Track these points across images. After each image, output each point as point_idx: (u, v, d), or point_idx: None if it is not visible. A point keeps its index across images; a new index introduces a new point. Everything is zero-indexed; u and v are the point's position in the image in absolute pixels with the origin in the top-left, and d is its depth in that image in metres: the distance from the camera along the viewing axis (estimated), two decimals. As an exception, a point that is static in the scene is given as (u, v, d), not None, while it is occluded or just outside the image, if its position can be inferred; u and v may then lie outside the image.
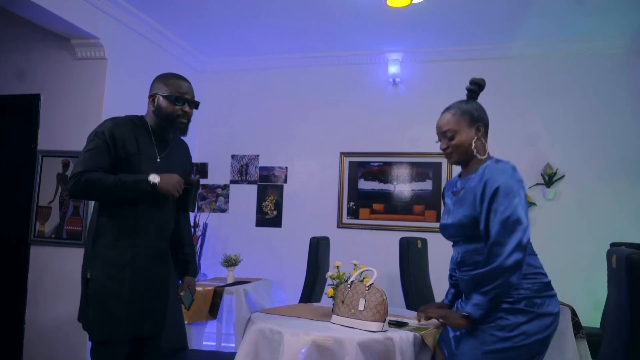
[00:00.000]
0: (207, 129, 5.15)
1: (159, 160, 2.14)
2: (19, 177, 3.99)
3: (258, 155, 5.04)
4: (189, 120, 2.18)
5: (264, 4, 3.89)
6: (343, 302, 2.27)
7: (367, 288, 2.21)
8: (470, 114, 1.97)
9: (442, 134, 2.01)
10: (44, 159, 3.89)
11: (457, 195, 1.99)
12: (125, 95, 3.94)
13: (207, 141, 5.15)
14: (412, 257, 3.61)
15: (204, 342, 4.14)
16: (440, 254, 4.13)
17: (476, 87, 2.05)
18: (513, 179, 1.81)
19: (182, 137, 2.33)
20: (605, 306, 3.73)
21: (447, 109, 2.02)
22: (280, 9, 3.98)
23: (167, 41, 4.57)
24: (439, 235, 5.03)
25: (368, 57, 4.79)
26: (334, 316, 2.31)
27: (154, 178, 1.96)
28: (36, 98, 3.93)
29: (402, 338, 2.08)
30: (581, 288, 3.91)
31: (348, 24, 4.19)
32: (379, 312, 2.14)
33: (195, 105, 2.19)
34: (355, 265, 2.49)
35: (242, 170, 5.04)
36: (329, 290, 2.48)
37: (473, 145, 1.94)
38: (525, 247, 1.75)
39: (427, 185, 4.58)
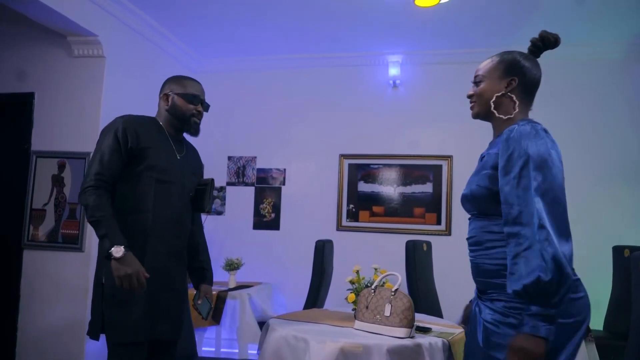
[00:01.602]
0: (203, 129, 4.97)
1: (178, 157, 2.13)
2: (12, 178, 3.83)
3: (255, 157, 4.96)
4: (200, 121, 2.20)
5: (263, 4, 3.83)
6: (367, 307, 2.23)
7: (392, 293, 2.18)
8: (508, 63, 1.64)
9: (473, 78, 1.74)
10: (38, 160, 3.75)
11: (482, 161, 1.66)
12: (123, 95, 3.84)
13: (203, 142, 4.94)
14: (418, 260, 3.59)
15: (203, 348, 4.05)
16: (443, 258, 4.16)
17: (540, 43, 1.70)
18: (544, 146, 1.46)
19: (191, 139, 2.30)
20: (609, 307, 3.78)
21: (494, 55, 1.73)
22: (279, 10, 3.92)
23: (164, 40, 4.47)
24: (441, 238, 5.01)
25: (368, 58, 4.76)
26: (357, 322, 2.27)
27: (117, 252, 1.81)
28: (30, 97, 3.78)
29: (432, 344, 2.05)
30: (588, 291, 3.94)
31: (348, 25, 4.16)
32: (406, 318, 2.11)
33: (207, 107, 2.22)
34: (375, 269, 2.45)
35: (239, 172, 4.95)
36: (349, 295, 2.44)
37: (494, 98, 1.63)
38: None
39: (428, 187, 4.57)
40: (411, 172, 4.62)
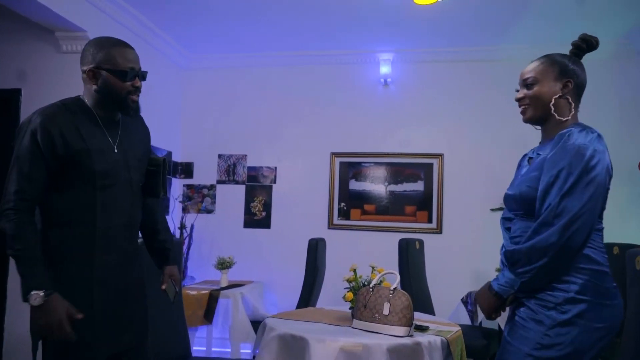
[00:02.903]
0: (193, 127, 5.01)
1: (116, 151, 1.74)
2: (-2, 176, 3.75)
3: (246, 155, 4.92)
4: (138, 97, 1.79)
5: (253, 2, 3.80)
6: (365, 306, 2.22)
7: (391, 292, 2.17)
8: (562, 65, 1.66)
9: (522, 81, 1.71)
10: (25, 158, 3.67)
11: (531, 163, 1.71)
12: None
13: (192, 140, 5.00)
14: (411, 259, 3.60)
15: (193, 348, 4.01)
16: (434, 256, 4.18)
17: (584, 45, 1.72)
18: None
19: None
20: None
21: (538, 58, 1.73)
22: (270, 7, 3.89)
23: (153, 36, 4.40)
24: (432, 236, 5.05)
25: (359, 56, 4.75)
26: (355, 320, 2.26)
27: (35, 299, 1.51)
28: (17, 93, 3.70)
29: (431, 342, 2.05)
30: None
31: (339, 23, 4.14)
32: (405, 317, 2.10)
33: (144, 75, 1.79)
34: (373, 268, 2.45)
35: (230, 170, 4.91)
36: (347, 294, 2.43)
37: (553, 101, 1.64)
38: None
39: (419, 186, 4.58)
40: (402, 170, 4.63)
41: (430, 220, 4.52)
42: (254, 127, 4.92)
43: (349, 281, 2.45)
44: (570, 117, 1.67)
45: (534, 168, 1.65)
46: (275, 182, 4.85)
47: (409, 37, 4.40)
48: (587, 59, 4.43)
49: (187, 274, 4.40)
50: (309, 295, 3.59)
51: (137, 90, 1.75)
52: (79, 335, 1.60)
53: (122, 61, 1.72)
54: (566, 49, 4.90)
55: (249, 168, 4.89)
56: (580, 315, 1.48)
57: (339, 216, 4.70)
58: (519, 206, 1.67)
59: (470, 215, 4.45)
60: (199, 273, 4.57)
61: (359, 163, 4.71)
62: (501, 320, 3.31)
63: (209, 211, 4.92)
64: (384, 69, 4.65)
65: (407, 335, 2.08)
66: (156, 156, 1.96)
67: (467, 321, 3.76)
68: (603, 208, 1.63)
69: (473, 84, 4.56)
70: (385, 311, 2.14)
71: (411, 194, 4.60)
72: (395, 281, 2.21)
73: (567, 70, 1.66)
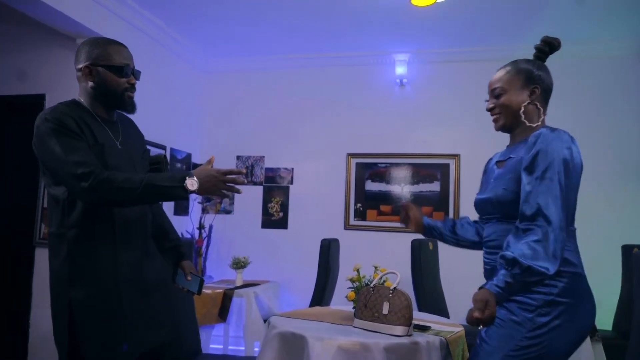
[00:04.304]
0: (212, 129, 5.11)
1: (119, 147, 1.77)
2: (24, 178, 3.92)
3: (263, 157, 4.99)
4: (134, 95, 1.82)
5: (270, 3, 3.85)
6: (366, 305, 2.24)
7: (391, 291, 2.18)
8: (527, 73, 1.70)
9: (491, 91, 1.77)
10: (49, 160, 3.82)
11: (501, 166, 1.74)
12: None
13: (212, 141, 5.10)
14: (423, 260, 3.59)
15: (211, 345, 4.09)
16: (450, 257, 4.14)
17: (546, 48, 1.77)
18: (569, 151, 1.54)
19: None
20: (618, 306, 3.73)
21: (504, 66, 1.77)
22: (286, 9, 3.94)
23: (171, 40, 4.52)
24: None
25: (375, 57, 4.76)
26: (356, 320, 2.27)
27: (192, 184, 1.58)
28: (41, 98, 3.86)
29: (429, 342, 2.05)
30: (594, 291, 3.89)
31: (355, 24, 4.16)
32: (404, 316, 2.11)
33: (138, 75, 1.83)
34: (375, 268, 2.46)
35: (248, 171, 4.99)
36: (349, 293, 2.45)
37: (523, 108, 1.68)
38: None
39: (435, 186, 4.55)
40: (419, 171, 4.61)
41: (446, 221, 4.49)
42: (271, 129, 4.98)
43: (352, 281, 2.47)
44: (540, 122, 1.71)
45: (508, 170, 1.66)
46: (292, 183, 4.90)
47: (425, 37, 4.38)
48: (604, 58, 4.31)
49: (205, 274, 4.49)
50: (321, 295, 3.62)
51: (133, 87, 1.78)
52: (110, 333, 1.63)
53: (118, 57, 1.75)
54: (583, 48, 4.82)
55: (267, 169, 4.96)
56: (559, 318, 1.49)
57: (355, 217, 4.71)
58: (495, 209, 1.69)
59: (487, 216, 4.39)
60: (217, 273, 4.66)
61: (375, 164, 4.72)
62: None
63: (228, 212, 5.01)
64: (400, 70, 4.64)
65: (406, 335, 2.09)
66: (155, 154, 2.00)
67: (481, 323, 3.71)
68: (574, 209, 1.63)
69: (490, 84, 4.51)
70: (385, 310, 2.16)
71: (427, 195, 4.57)
72: (395, 281, 2.22)
73: (532, 77, 1.70)
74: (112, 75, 1.73)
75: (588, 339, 3.09)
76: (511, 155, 1.70)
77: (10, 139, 4.08)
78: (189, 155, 4.84)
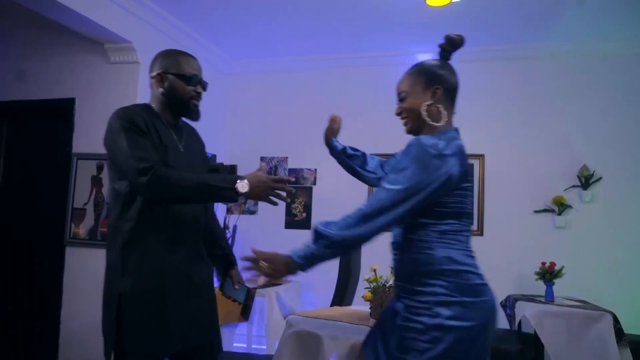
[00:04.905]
0: (236, 130, 5.18)
1: (182, 150, 1.88)
2: (55, 179, 4.06)
3: (287, 157, 5.03)
4: (199, 103, 1.93)
5: (292, 5, 3.90)
6: (382, 305, 2.24)
7: (406, 292, 2.17)
8: (429, 74, 1.69)
9: (397, 96, 1.76)
10: (78, 162, 3.96)
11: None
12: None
13: (235, 142, 5.17)
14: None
15: (234, 344, 4.15)
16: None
17: (449, 46, 1.77)
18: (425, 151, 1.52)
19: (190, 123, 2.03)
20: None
21: (409, 68, 1.76)
22: (307, 10, 3.97)
23: (194, 43, 4.60)
24: (473, 238, 4.95)
25: (398, 58, 4.73)
26: (371, 320, 2.28)
27: (243, 187, 1.64)
28: (71, 102, 3.99)
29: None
30: (622, 293, 3.80)
31: (377, 24, 4.16)
32: (419, 317, 2.10)
33: (205, 85, 1.94)
34: (391, 268, 2.45)
35: (271, 171, 5.03)
36: (366, 293, 2.45)
37: (425, 110, 1.66)
38: None
39: (459, 187, 4.50)
40: (442, 171, 4.56)
41: (470, 222, 4.43)
42: (294, 130, 5.02)
43: (369, 281, 2.48)
44: (443, 123, 1.68)
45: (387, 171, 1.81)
46: (315, 184, 4.93)
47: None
48: (630, 55, 4.17)
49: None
50: (342, 296, 3.62)
51: (199, 96, 1.89)
52: (150, 328, 1.70)
53: (187, 67, 1.86)
54: (609, 45, 4.72)
55: (290, 170, 5.00)
56: (451, 317, 1.47)
57: (378, 217, 4.69)
58: None
59: (512, 216, 4.33)
60: (241, 272, 4.71)
61: (398, 164, 4.69)
62: (538, 327, 3.21)
63: (252, 212, 5.07)
64: (423, 69, 4.60)
65: (421, 336, 2.08)
66: (214, 163, 2.08)
67: (505, 325, 3.66)
68: (465, 209, 1.61)
69: (514, 83, 4.45)
70: (400, 311, 2.15)
71: (451, 195, 4.52)
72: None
73: (434, 77, 1.68)
74: (180, 83, 1.84)
75: (615, 344, 3.00)
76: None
77: (42, 141, 4.23)
78: (213, 157, 4.91)
